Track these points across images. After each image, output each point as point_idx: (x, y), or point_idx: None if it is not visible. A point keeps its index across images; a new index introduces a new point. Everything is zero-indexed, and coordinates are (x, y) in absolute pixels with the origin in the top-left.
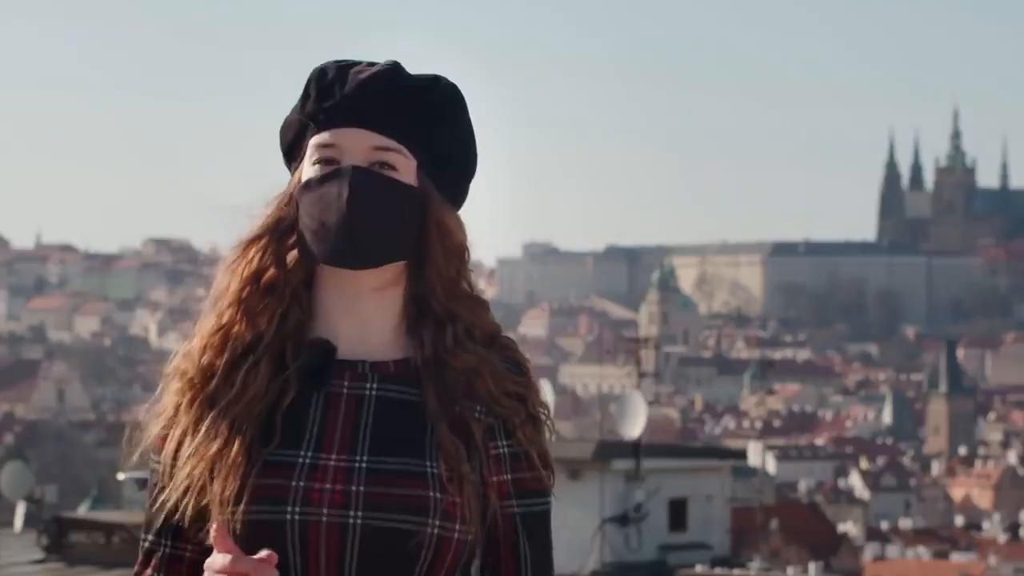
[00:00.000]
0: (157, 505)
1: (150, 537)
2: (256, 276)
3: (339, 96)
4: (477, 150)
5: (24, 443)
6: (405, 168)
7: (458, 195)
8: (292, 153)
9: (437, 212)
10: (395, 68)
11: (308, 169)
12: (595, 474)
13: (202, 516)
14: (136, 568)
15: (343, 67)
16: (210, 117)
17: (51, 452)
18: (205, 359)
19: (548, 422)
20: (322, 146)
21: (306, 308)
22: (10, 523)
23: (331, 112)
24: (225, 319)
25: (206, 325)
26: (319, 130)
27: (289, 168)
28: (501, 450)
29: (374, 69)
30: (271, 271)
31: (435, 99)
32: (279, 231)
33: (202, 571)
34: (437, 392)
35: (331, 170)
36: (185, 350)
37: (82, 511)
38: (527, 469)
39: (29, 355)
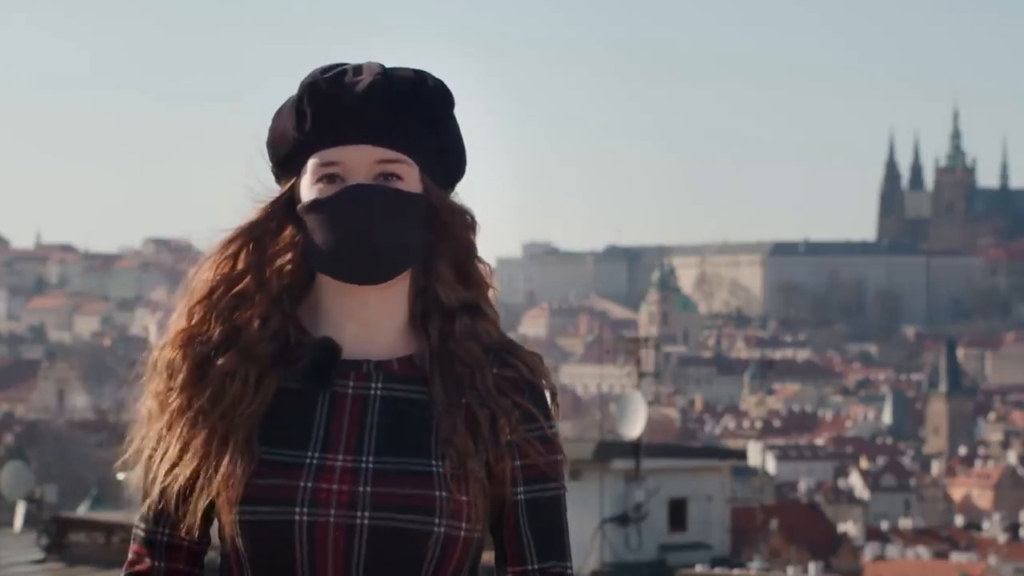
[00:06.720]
0: (153, 497)
1: (144, 526)
2: (228, 279)
3: (338, 113)
4: (463, 140)
5: (24, 443)
6: (409, 176)
7: (454, 183)
8: (285, 165)
9: (444, 210)
10: (387, 76)
11: (311, 188)
12: (595, 474)
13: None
14: (130, 555)
15: (332, 79)
16: (210, 117)
17: (51, 452)
18: (181, 355)
19: (555, 406)
20: (325, 164)
21: (290, 312)
22: (10, 523)
23: (333, 130)
24: (196, 319)
25: (179, 323)
26: (319, 147)
27: (277, 177)
28: (508, 436)
29: (368, 80)
30: (246, 277)
31: (429, 102)
32: (257, 236)
33: (199, 559)
34: (445, 385)
35: (341, 189)
36: (161, 345)
37: (82, 511)
38: (534, 455)
39: (29, 355)
